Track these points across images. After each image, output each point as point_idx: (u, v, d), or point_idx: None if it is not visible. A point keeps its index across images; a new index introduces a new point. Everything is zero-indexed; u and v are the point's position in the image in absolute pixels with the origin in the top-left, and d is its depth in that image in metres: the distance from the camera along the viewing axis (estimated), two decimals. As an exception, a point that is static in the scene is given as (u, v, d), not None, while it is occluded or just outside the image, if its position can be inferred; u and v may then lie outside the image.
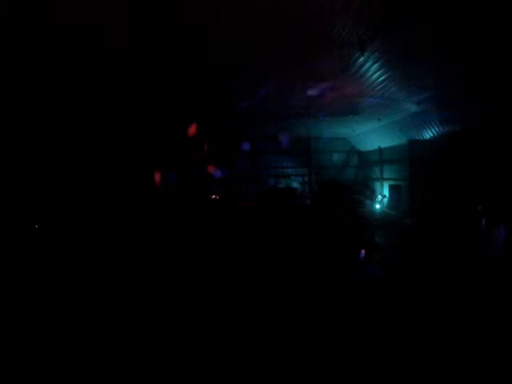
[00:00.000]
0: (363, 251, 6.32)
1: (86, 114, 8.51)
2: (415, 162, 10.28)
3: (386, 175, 13.70)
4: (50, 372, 3.29)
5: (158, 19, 4.29)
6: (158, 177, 11.33)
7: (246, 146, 15.09)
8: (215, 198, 13.90)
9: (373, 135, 13.71)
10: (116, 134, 10.08)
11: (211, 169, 13.33)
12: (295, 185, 16.29)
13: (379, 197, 13.91)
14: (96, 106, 8.14)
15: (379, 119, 11.11)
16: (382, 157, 13.82)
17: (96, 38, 4.71)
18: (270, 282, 5.48)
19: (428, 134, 10.00)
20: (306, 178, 16.61)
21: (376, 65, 6.05)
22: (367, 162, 15.71)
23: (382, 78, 6.75)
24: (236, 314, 4.39)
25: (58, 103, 7.54)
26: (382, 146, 13.59)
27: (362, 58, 5.70)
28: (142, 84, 6.93)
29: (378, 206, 13.32)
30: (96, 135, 9.59)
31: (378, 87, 7.31)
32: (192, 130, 11.16)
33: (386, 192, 13.51)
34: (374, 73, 6.46)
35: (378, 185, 14.38)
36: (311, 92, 7.94)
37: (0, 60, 5.22)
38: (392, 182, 12.97)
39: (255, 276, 5.77)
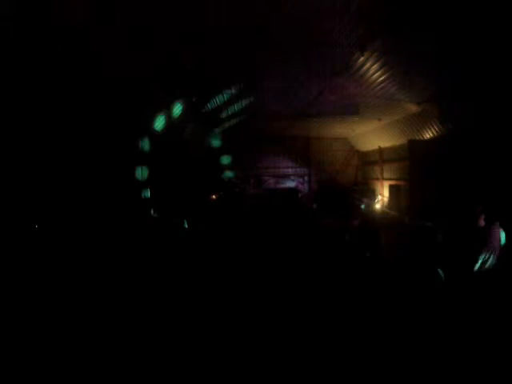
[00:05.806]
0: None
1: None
2: (415, 162, 10.26)
3: (385, 175, 13.70)
4: (50, 372, 3.29)
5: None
6: None
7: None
8: (214, 197, 13.88)
9: (373, 135, 13.70)
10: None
11: None
12: (295, 185, 16.32)
13: (379, 197, 13.90)
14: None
15: (379, 119, 11.11)
16: (382, 157, 13.82)
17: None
18: (270, 279, 5.49)
19: (428, 134, 10.00)
20: (305, 178, 16.62)
21: (376, 65, 6.06)
22: (367, 161, 15.70)
23: (381, 78, 6.75)
24: (236, 312, 4.39)
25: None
26: (382, 145, 13.59)
27: (361, 58, 5.70)
28: None
29: (377, 206, 13.32)
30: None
31: (378, 87, 7.31)
32: None
33: (386, 192, 13.50)
34: (374, 73, 6.46)
35: (378, 185, 14.37)
36: (311, 92, 7.96)
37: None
38: (392, 182, 12.97)
39: (256, 273, 5.78)
